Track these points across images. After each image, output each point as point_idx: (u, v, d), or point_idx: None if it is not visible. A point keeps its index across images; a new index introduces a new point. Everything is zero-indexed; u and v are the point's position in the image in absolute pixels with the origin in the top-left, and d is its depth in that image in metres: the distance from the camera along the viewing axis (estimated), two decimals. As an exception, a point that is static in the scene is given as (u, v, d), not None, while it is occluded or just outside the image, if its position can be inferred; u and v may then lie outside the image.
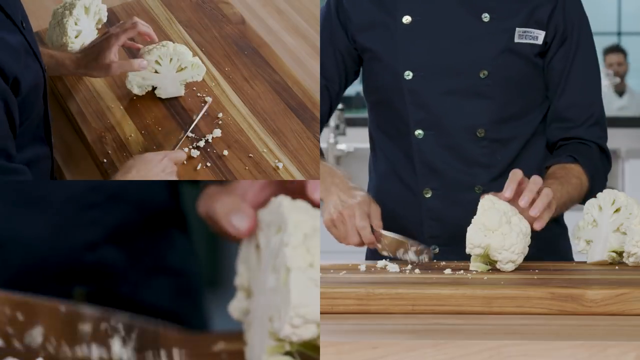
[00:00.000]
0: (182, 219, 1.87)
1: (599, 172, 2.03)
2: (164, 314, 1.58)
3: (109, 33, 2.06)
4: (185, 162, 2.00)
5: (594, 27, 2.11)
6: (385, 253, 1.88)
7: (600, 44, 3.62)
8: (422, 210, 2.02)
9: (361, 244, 1.90)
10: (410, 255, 1.85)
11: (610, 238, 1.83)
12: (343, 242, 1.91)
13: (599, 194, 1.87)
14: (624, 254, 1.82)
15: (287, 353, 1.26)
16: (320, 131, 2.12)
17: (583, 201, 1.96)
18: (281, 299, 1.25)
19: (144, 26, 2.10)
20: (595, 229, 1.85)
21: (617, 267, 1.80)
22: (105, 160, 2.03)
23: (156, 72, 2.13)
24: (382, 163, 2.10)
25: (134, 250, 1.74)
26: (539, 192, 1.79)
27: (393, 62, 2.02)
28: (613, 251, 1.83)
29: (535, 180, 1.80)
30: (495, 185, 1.96)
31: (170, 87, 2.17)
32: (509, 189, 1.77)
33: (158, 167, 1.86)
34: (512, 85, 2.02)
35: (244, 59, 2.30)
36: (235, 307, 1.40)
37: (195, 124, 2.09)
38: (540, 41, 2.01)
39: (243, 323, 1.40)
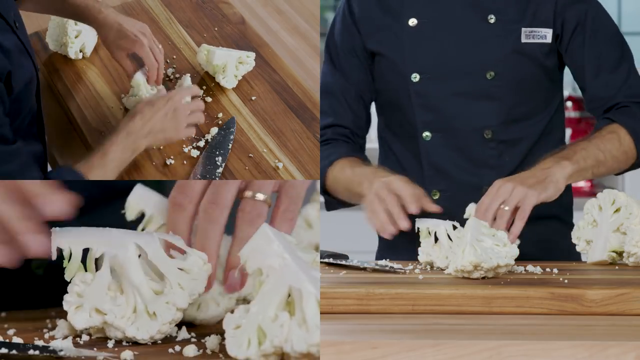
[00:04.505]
0: None
1: None
2: None
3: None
4: (185, 161, 2.00)
5: (594, 26, 2.10)
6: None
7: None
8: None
9: (397, 232, 1.79)
10: None
11: (610, 238, 1.83)
12: (383, 234, 1.79)
13: (599, 194, 1.86)
14: (624, 254, 1.82)
15: None
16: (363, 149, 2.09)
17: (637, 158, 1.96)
18: None
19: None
20: (595, 229, 1.85)
21: (617, 267, 1.80)
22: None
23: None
24: (391, 163, 2.08)
25: None
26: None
27: (400, 65, 2.02)
28: (613, 251, 1.83)
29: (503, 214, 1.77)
30: None
31: None
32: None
33: (162, 111, 1.89)
34: (520, 87, 2.01)
35: (244, 59, 2.30)
36: None
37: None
38: (548, 40, 2.01)
39: None
